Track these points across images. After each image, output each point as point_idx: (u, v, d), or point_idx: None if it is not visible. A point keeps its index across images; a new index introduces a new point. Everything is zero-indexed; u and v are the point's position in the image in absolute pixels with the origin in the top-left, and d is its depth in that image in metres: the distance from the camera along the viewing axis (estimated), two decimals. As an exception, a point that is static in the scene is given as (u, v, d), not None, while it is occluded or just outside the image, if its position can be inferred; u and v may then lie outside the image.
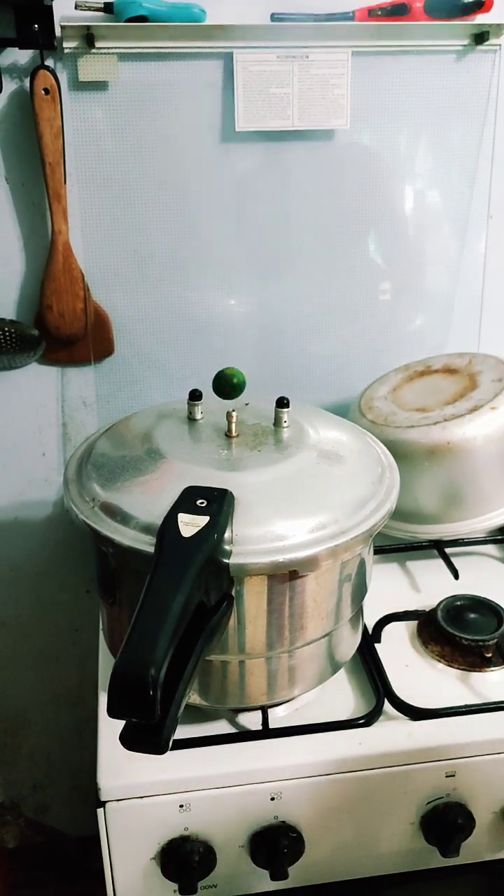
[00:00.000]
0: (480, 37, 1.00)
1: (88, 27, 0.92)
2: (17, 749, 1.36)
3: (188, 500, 0.68)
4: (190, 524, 0.65)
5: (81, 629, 1.26)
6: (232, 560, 0.67)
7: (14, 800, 1.40)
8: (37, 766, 1.38)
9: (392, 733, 0.79)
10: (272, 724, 0.79)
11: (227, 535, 0.67)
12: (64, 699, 1.32)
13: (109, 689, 0.55)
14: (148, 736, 0.57)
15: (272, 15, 0.96)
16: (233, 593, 0.69)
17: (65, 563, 1.22)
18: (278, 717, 0.81)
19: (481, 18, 0.99)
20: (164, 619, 0.58)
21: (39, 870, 1.40)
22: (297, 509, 0.72)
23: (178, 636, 0.58)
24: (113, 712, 0.56)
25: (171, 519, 0.66)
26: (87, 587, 1.23)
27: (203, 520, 0.66)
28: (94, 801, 0.74)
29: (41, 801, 1.41)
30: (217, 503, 0.68)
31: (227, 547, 0.67)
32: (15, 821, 1.40)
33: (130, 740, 0.57)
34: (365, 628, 0.88)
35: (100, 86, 0.97)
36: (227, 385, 0.80)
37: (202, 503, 0.67)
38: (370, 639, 0.89)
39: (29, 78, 0.93)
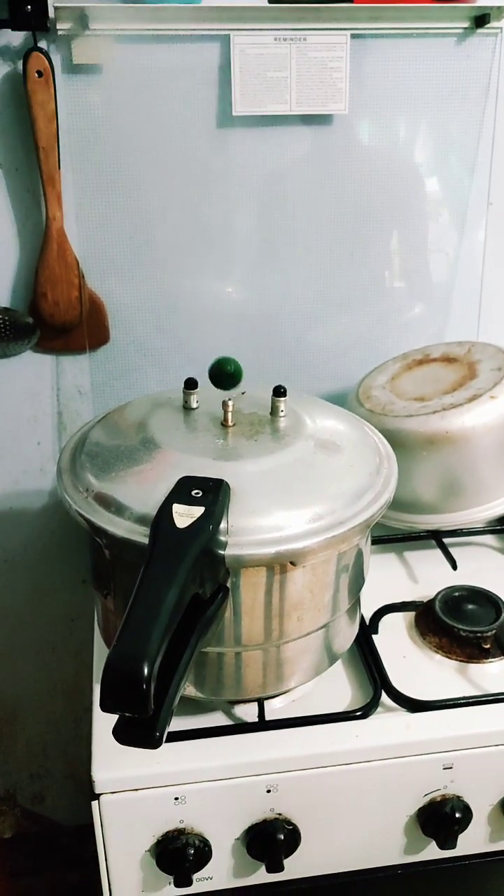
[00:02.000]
0: (481, 19, 0.99)
1: (83, 8, 0.90)
2: (13, 739, 1.35)
3: (183, 490, 0.67)
4: (185, 515, 0.64)
5: (78, 619, 1.26)
6: (227, 551, 0.66)
7: (10, 790, 1.40)
8: (33, 756, 1.37)
9: (389, 725, 0.78)
10: (268, 716, 0.79)
11: (222, 525, 0.66)
12: (60, 689, 1.32)
13: (101, 683, 0.54)
14: (141, 730, 0.56)
15: (269, -4, 0.94)
16: (228, 585, 0.68)
17: (61, 552, 1.21)
18: (275, 709, 0.80)
19: (482, 1, 0.98)
20: (158, 611, 0.57)
21: (35, 859, 1.40)
22: (293, 500, 0.71)
23: (171, 629, 0.57)
24: (105, 707, 0.55)
25: (165, 510, 0.65)
26: (83, 577, 1.22)
27: (198, 510, 0.65)
28: (89, 793, 0.74)
29: (37, 791, 1.41)
30: (212, 493, 0.67)
31: (222, 538, 0.66)
32: (11, 811, 1.40)
33: (123, 735, 0.57)
34: (362, 619, 0.87)
35: (94, 69, 0.95)
36: (223, 374, 0.79)
37: (197, 493, 0.66)
38: (367, 630, 0.88)
39: (22, 60, 0.91)
